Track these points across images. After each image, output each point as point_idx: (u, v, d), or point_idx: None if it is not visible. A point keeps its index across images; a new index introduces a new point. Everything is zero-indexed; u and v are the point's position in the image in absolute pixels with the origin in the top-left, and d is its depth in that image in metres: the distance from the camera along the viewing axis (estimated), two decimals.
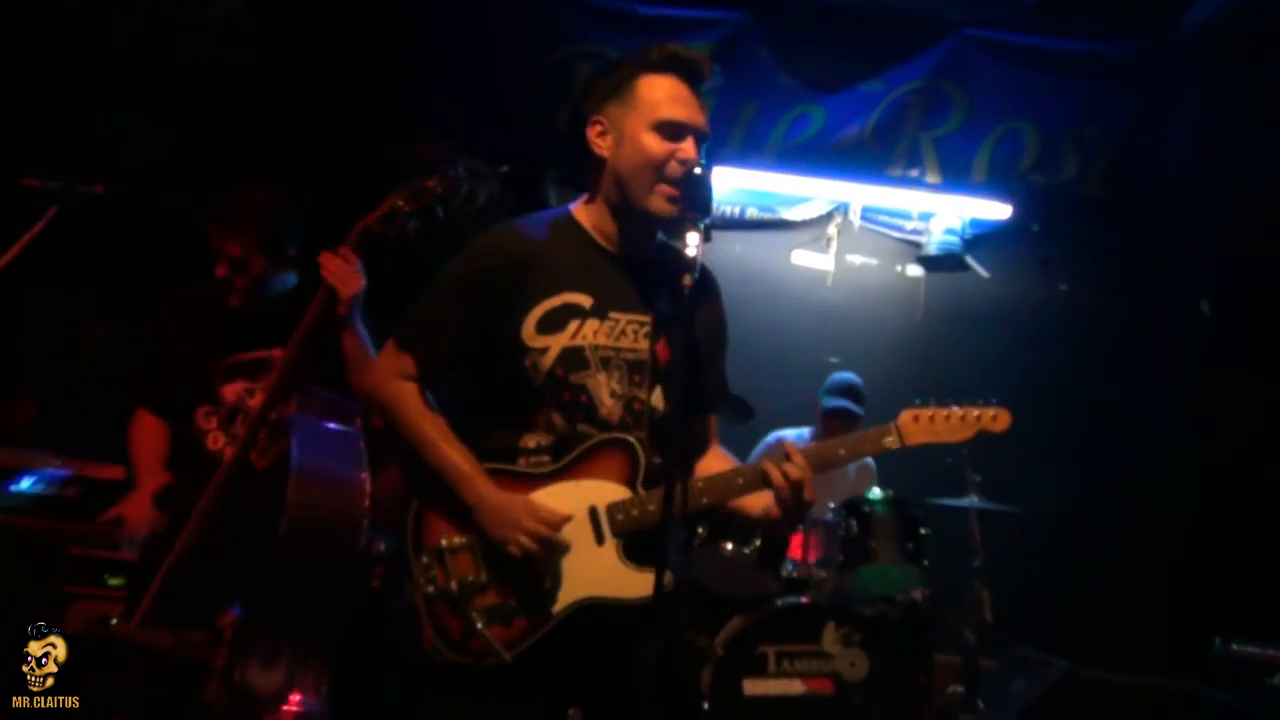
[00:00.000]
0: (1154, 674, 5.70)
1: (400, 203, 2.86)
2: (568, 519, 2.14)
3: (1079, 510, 5.82)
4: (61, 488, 4.00)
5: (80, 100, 5.36)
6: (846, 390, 5.08)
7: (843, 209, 6.35)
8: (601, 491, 2.17)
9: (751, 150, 6.00)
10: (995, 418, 2.23)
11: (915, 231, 6.36)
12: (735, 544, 4.34)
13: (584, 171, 2.33)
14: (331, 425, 2.89)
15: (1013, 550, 5.06)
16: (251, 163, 5.27)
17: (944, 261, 6.27)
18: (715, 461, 2.44)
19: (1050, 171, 6.11)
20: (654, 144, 2.17)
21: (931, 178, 6.17)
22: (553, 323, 2.19)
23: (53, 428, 4.41)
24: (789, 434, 5.13)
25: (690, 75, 2.23)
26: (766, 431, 5.13)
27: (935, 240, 6.24)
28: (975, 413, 2.23)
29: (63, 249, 3.24)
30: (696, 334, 2.30)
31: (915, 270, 6.38)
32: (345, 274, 2.88)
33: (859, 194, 6.29)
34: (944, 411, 2.22)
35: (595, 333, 2.21)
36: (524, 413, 2.21)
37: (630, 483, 2.18)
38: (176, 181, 5.13)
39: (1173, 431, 6.07)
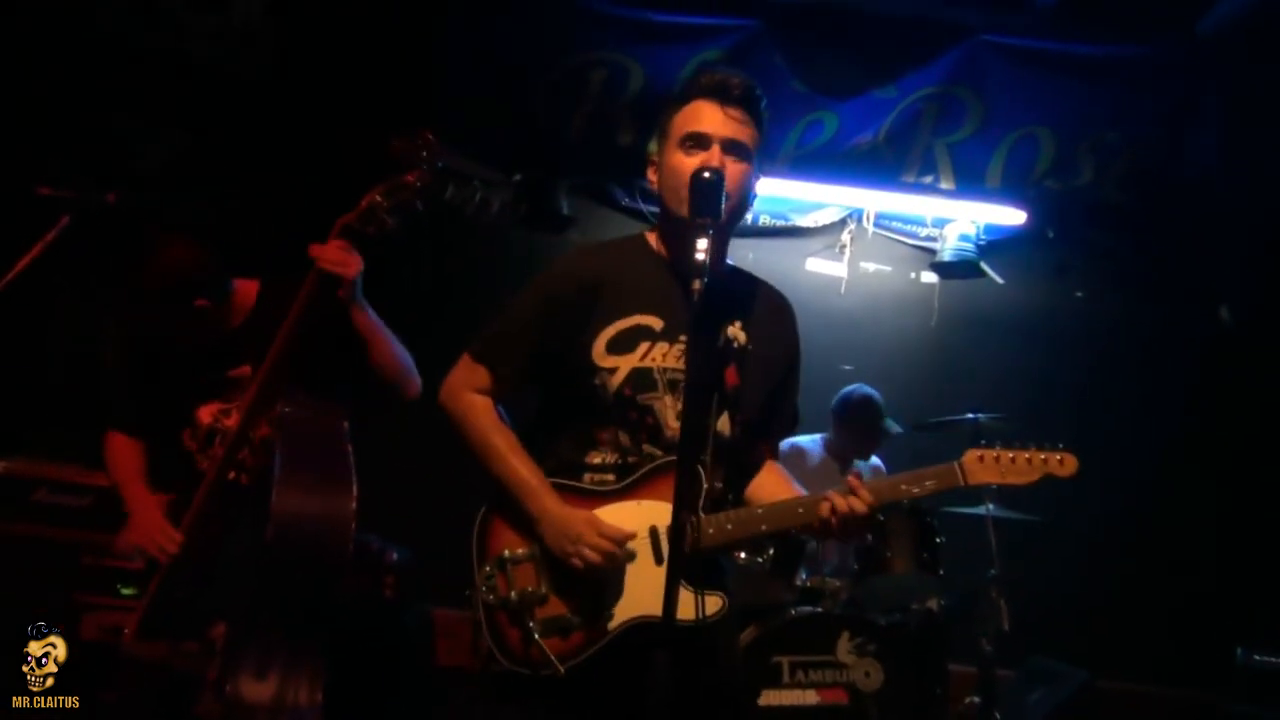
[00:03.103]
0: (1172, 685, 5.66)
1: (378, 198, 2.80)
2: (631, 536, 2.15)
3: (1096, 519, 5.77)
4: (76, 497, 4.00)
5: (94, 107, 5.37)
6: (875, 412, 5.04)
7: (856, 216, 6.33)
8: (663, 513, 2.10)
9: (764, 157, 5.87)
10: (1062, 462, 2.19)
11: (929, 238, 6.33)
12: (749, 553, 4.32)
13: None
14: (315, 429, 2.85)
15: (1030, 559, 5.02)
16: (266, 169, 5.29)
17: (958, 268, 6.24)
18: (769, 478, 2.45)
19: (1065, 177, 6.08)
20: (680, 159, 2.24)
21: (945, 184, 6.13)
22: (623, 343, 2.24)
23: (67, 437, 4.40)
24: (803, 441, 5.10)
25: (718, 95, 2.28)
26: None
27: (949, 247, 6.22)
28: (1042, 456, 2.19)
29: (76, 257, 3.25)
30: (767, 353, 2.37)
31: (929, 277, 6.35)
32: (342, 259, 2.82)
33: (873, 200, 6.26)
34: (1009, 453, 2.20)
35: (664, 355, 2.25)
36: (591, 430, 2.27)
37: (691, 506, 2.16)
38: (191, 188, 5.14)
39: (1190, 440, 6.01)
